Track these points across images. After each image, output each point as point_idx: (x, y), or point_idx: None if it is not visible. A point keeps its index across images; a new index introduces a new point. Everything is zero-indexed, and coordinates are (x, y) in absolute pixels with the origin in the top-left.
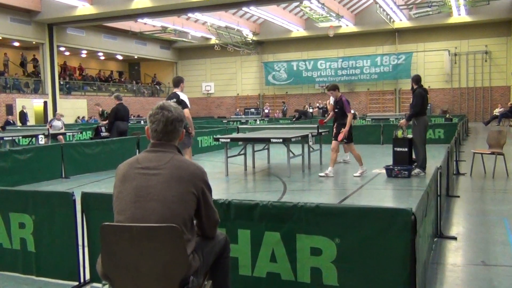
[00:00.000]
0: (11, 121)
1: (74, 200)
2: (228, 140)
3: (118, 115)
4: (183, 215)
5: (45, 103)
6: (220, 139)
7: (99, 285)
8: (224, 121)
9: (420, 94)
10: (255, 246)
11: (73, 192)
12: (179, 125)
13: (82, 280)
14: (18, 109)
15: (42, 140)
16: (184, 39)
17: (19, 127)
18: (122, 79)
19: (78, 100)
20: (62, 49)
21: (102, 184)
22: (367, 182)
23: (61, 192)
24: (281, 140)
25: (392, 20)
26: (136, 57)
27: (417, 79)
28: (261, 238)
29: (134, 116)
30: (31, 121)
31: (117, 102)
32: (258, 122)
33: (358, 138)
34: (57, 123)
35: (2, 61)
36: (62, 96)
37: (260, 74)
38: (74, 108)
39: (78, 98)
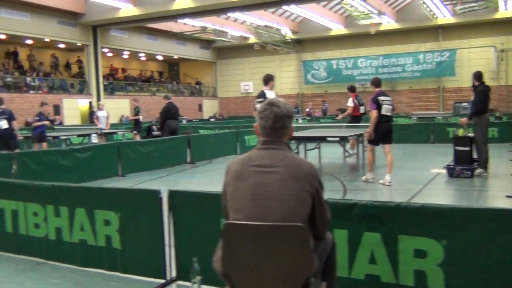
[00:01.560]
0: (59, 121)
1: (161, 198)
2: None
3: (169, 113)
4: (302, 215)
5: (90, 103)
6: None
7: (185, 283)
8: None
9: (482, 91)
10: (353, 247)
11: (159, 190)
12: (288, 121)
13: (168, 278)
14: (65, 109)
15: (95, 139)
16: (223, 39)
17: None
18: (162, 79)
19: (121, 100)
20: (105, 50)
21: (158, 182)
22: (429, 181)
23: (147, 189)
24: (337, 138)
25: (435, 16)
26: (175, 57)
27: (478, 76)
28: (360, 238)
29: None
30: (77, 120)
31: (167, 102)
32: (300, 121)
33: (405, 137)
34: (101, 113)
35: (49, 63)
36: (106, 96)
37: (299, 73)
38: (117, 107)
39: (121, 98)
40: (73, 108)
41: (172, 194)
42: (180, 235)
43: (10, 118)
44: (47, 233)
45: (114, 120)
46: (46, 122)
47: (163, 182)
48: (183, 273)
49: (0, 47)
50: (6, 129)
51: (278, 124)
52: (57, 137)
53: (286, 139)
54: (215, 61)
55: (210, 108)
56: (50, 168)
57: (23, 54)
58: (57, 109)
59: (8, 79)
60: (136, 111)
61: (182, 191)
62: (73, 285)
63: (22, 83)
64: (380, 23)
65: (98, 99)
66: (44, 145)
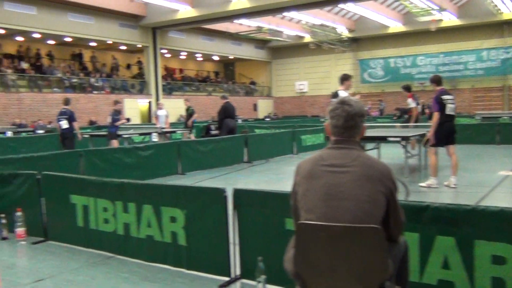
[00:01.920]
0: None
1: (226, 196)
2: None
3: (227, 113)
4: (376, 216)
5: (150, 103)
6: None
7: (249, 281)
8: (321, 120)
9: None
10: (425, 251)
11: (224, 189)
12: (360, 120)
13: (232, 276)
14: (126, 108)
15: (155, 138)
16: (278, 38)
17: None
18: (218, 79)
19: (179, 100)
20: (164, 51)
21: (218, 180)
22: (497, 184)
23: (213, 188)
24: (399, 139)
25: (500, 11)
26: (231, 57)
27: None
28: (432, 242)
29: None
30: (137, 120)
31: (224, 101)
32: None
33: (468, 137)
34: (161, 112)
35: (111, 64)
36: (164, 96)
37: (355, 72)
38: (175, 107)
39: (179, 98)
40: (134, 108)
41: (237, 193)
42: (245, 234)
43: (70, 118)
44: (116, 228)
45: (173, 119)
46: (124, 121)
47: (223, 181)
48: (247, 272)
49: (66, 49)
50: (66, 129)
51: (350, 123)
52: (119, 136)
53: (358, 139)
54: (270, 61)
55: (264, 107)
56: (114, 165)
57: (87, 56)
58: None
59: (74, 80)
60: (190, 111)
61: (247, 190)
62: (141, 279)
63: (86, 84)
64: (441, 20)
65: (157, 99)
66: (115, 143)
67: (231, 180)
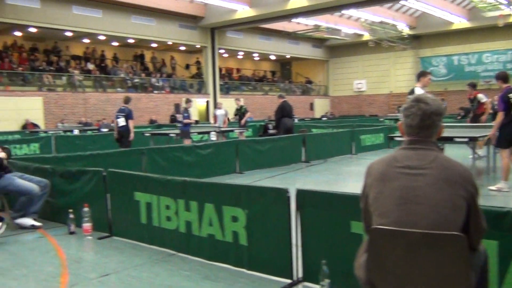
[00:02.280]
0: (178, 119)
1: (289, 197)
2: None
3: (284, 112)
4: (456, 222)
5: (207, 102)
6: (395, 138)
7: (312, 284)
8: (380, 119)
9: None
10: (504, 260)
11: (287, 189)
12: (437, 119)
13: (295, 278)
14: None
15: (213, 136)
16: (336, 37)
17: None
18: (275, 79)
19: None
20: (221, 51)
21: (276, 179)
22: None
23: (275, 188)
24: (466, 139)
25: None
26: (288, 56)
27: None
28: None
29: None
30: (195, 119)
31: (281, 100)
32: None
33: None
34: (220, 112)
35: (170, 64)
36: (222, 96)
37: (415, 70)
38: (232, 106)
39: (236, 97)
40: (192, 107)
41: (300, 194)
42: (308, 236)
43: (128, 116)
44: (178, 226)
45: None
46: (192, 121)
47: (281, 180)
48: (310, 275)
49: (129, 51)
50: (122, 126)
51: (426, 122)
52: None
53: (435, 139)
54: (327, 60)
55: (321, 107)
56: (175, 163)
57: (148, 56)
58: (177, 108)
59: (136, 80)
60: (243, 110)
61: (311, 190)
62: (202, 278)
63: (147, 84)
64: (510, 14)
65: (215, 98)
66: (189, 142)
67: (290, 179)
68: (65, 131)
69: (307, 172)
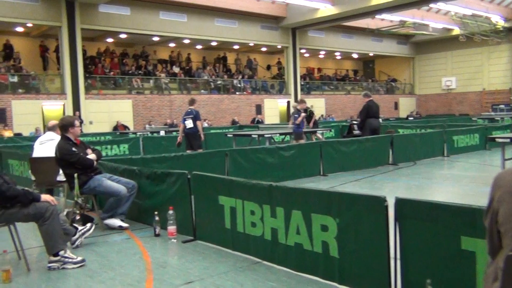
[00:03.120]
0: (259, 120)
1: (386, 206)
2: (508, 140)
3: (370, 112)
4: None
5: (288, 102)
6: (496, 139)
7: None
8: (473, 119)
9: None
10: None
11: (385, 197)
12: None
13: None
14: (265, 108)
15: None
16: (423, 32)
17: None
18: (357, 78)
19: (317, 99)
20: (303, 51)
21: (362, 183)
22: None
23: (371, 195)
24: None
25: None
26: (371, 54)
27: None
28: None
29: None
30: (276, 119)
31: (367, 99)
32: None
33: None
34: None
35: (252, 65)
36: (303, 96)
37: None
38: (314, 107)
39: (317, 97)
40: (273, 108)
41: (400, 203)
42: (408, 250)
43: (195, 118)
44: (263, 233)
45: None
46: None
47: (368, 184)
48: None
49: (211, 53)
50: (190, 128)
51: None
52: (261, 135)
53: None
54: (413, 56)
55: (406, 106)
56: (257, 164)
57: (230, 58)
58: (258, 109)
59: (219, 82)
60: (309, 112)
61: (413, 200)
62: None
63: (230, 85)
64: None
65: (296, 98)
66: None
67: (377, 183)
68: (152, 132)
69: (395, 176)
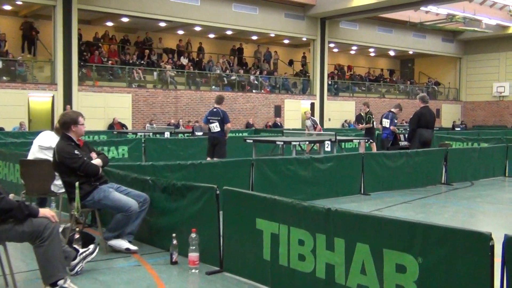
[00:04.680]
0: (279, 123)
1: (492, 246)
2: None
3: (423, 121)
4: None
5: (312, 104)
6: None
7: None
8: None
9: None
10: None
11: (489, 234)
12: None
13: None
14: (285, 110)
15: (328, 147)
16: (475, 29)
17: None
18: (393, 79)
19: (345, 102)
20: (331, 45)
21: (415, 207)
22: None
23: (470, 231)
24: None
25: None
26: (411, 52)
27: None
28: None
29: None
30: (298, 124)
31: (422, 105)
32: None
33: None
34: (307, 122)
35: (272, 60)
36: (329, 97)
37: None
38: (341, 111)
39: (346, 99)
40: (295, 110)
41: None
42: None
43: (223, 120)
44: (315, 269)
45: (337, 124)
46: (362, 126)
47: (422, 208)
48: None
49: (226, 44)
50: (216, 132)
51: None
52: (287, 143)
53: None
54: (460, 57)
55: (449, 114)
56: (287, 177)
57: (247, 51)
58: (277, 110)
59: (233, 77)
60: (368, 118)
61: None
62: None
63: (246, 82)
64: None
65: (322, 100)
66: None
67: (433, 208)
68: (154, 134)
69: (452, 198)
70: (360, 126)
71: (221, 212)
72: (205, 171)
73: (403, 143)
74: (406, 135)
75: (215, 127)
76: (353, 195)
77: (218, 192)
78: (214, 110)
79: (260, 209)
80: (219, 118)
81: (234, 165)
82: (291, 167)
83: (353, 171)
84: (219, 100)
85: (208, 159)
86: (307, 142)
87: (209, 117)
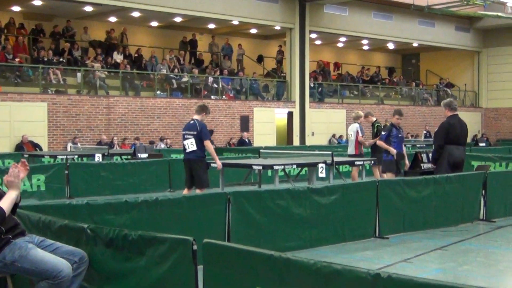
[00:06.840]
0: (246, 140)
1: None
2: None
3: (452, 135)
4: None
5: (290, 114)
6: None
7: None
8: None
9: None
10: None
11: None
12: None
13: None
14: (255, 122)
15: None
16: (498, 14)
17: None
18: (393, 79)
19: (333, 111)
20: (313, 35)
21: (454, 255)
22: None
23: None
24: None
25: None
26: (415, 44)
27: None
28: None
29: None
30: (272, 139)
31: (449, 114)
32: None
33: None
34: (350, 128)
35: (236, 56)
36: (312, 105)
37: None
38: (328, 122)
39: (334, 107)
40: (267, 122)
41: None
42: None
43: (200, 135)
44: None
45: (323, 141)
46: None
47: (463, 257)
48: None
49: (174, 35)
50: (192, 152)
51: None
52: (268, 167)
53: None
54: (478, 50)
55: (467, 124)
56: (276, 217)
57: (202, 44)
58: (245, 122)
59: (184, 79)
60: (376, 128)
61: None
62: None
63: (201, 85)
64: None
65: (303, 108)
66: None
67: (479, 255)
68: (81, 156)
69: (499, 241)
70: (370, 141)
71: (200, 278)
72: (164, 212)
73: (426, 165)
74: (430, 155)
75: (190, 144)
76: (365, 239)
77: (195, 247)
78: (191, 122)
79: (264, 274)
80: (194, 133)
81: (203, 202)
82: (281, 203)
83: (365, 206)
84: (200, 109)
85: (185, 191)
86: (295, 166)
87: (184, 132)
